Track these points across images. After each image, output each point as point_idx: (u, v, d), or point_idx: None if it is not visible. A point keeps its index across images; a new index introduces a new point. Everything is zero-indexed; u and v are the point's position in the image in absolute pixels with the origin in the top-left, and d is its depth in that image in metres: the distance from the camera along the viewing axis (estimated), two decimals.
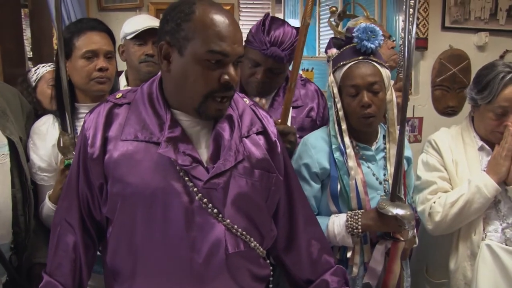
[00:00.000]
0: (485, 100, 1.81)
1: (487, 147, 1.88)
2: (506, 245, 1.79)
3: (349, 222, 1.58)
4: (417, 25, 3.32)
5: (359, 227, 1.57)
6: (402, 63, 1.63)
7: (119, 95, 1.31)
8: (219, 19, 1.15)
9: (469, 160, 1.88)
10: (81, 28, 1.72)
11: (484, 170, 1.82)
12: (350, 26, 2.23)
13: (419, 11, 3.34)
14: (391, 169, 1.68)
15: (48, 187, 1.71)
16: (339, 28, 2.29)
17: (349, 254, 1.63)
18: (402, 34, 1.87)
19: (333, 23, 2.32)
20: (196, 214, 1.18)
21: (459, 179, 1.86)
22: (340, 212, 1.64)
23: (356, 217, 1.58)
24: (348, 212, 1.62)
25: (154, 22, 2.06)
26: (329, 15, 3.71)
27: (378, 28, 1.64)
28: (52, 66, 2.14)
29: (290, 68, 1.81)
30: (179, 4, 1.19)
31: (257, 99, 1.75)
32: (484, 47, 3.56)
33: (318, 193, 1.66)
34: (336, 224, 1.60)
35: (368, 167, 1.67)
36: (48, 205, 1.66)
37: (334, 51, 1.68)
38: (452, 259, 1.86)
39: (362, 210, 1.61)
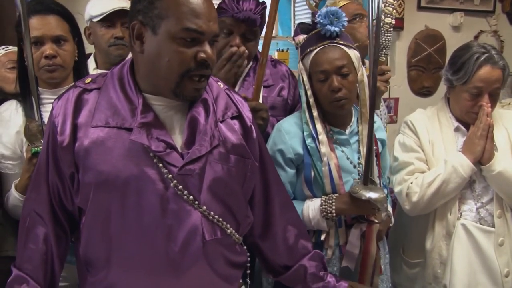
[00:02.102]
0: (461, 80, 1.82)
1: (462, 127, 1.90)
2: (480, 224, 1.82)
3: (323, 206, 1.59)
4: (393, 5, 3.31)
5: (333, 211, 1.58)
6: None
7: (88, 80, 1.26)
8: None
9: (445, 140, 1.90)
10: (28, 12, 1.57)
11: (460, 150, 1.84)
12: (328, 5, 2.19)
13: None
14: (364, 150, 1.69)
15: (14, 175, 1.64)
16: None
17: (323, 237, 1.65)
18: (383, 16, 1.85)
19: (312, 2, 2.27)
20: (171, 201, 1.15)
21: (436, 160, 1.88)
22: (314, 196, 1.65)
23: (330, 201, 1.59)
24: (323, 196, 1.63)
25: (122, 3, 1.96)
26: None
27: (340, 10, 1.63)
28: (6, 48, 2.03)
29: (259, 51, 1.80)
30: None
31: None
32: (459, 28, 3.58)
33: (293, 178, 1.66)
34: (311, 208, 1.61)
35: (342, 151, 1.67)
36: (14, 195, 1.59)
37: (301, 38, 1.66)
38: (428, 239, 1.89)
39: (336, 194, 1.62)
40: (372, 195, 1.52)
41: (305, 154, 1.62)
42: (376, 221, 1.62)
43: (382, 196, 1.53)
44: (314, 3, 2.38)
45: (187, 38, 1.11)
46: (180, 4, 1.10)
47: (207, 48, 1.14)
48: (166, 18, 1.10)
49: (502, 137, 1.88)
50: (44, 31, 1.59)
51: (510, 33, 3.75)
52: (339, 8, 2.07)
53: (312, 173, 1.62)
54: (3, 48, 2.07)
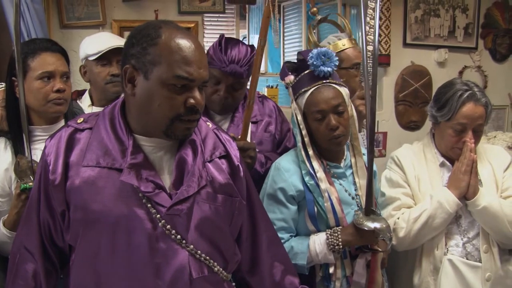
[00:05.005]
0: (445, 117, 1.87)
1: (447, 163, 1.93)
2: (467, 259, 1.83)
3: (330, 239, 1.62)
4: (380, 42, 3.40)
5: (340, 243, 1.61)
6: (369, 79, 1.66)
7: (80, 119, 1.29)
8: (185, 43, 1.16)
9: (431, 176, 1.93)
10: (35, 48, 1.66)
11: (445, 186, 1.86)
12: (330, 42, 2.22)
13: (381, 29, 3.41)
14: (359, 182, 1.74)
15: (2, 212, 1.64)
16: (315, 36, 2.29)
17: (331, 270, 1.67)
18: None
19: (314, 34, 2.31)
20: (160, 240, 1.17)
21: (422, 195, 1.90)
22: (318, 230, 1.68)
23: (336, 234, 1.62)
24: (327, 230, 1.65)
25: (117, 41, 2.03)
26: (293, 32, 3.74)
27: (331, 51, 1.68)
28: (1, 86, 2.07)
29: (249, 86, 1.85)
30: (145, 27, 1.18)
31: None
32: (444, 63, 3.67)
33: (295, 215, 1.69)
34: (317, 243, 1.64)
35: (340, 184, 1.71)
36: (2, 231, 1.59)
37: (291, 78, 1.71)
38: (416, 274, 1.89)
39: (340, 227, 1.65)
40: (376, 225, 1.56)
41: (306, 191, 1.66)
42: (380, 249, 1.65)
43: (385, 225, 1.57)
44: (313, 26, 2.39)
45: (177, 85, 1.15)
46: (172, 52, 1.14)
47: (197, 94, 1.18)
48: (159, 65, 1.14)
49: (486, 172, 1.92)
50: (56, 66, 1.66)
51: (493, 68, 3.84)
52: (340, 51, 2.12)
53: (315, 209, 1.65)
54: None
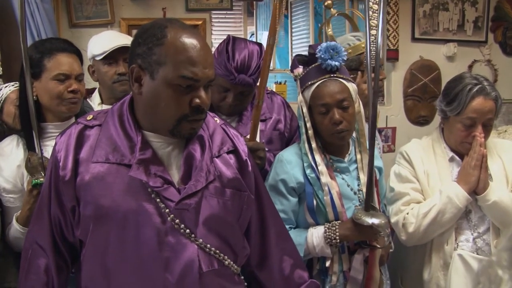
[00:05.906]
0: (454, 111, 1.85)
1: (457, 158, 1.92)
2: (477, 254, 1.82)
3: (327, 233, 1.62)
4: (388, 37, 3.39)
5: (337, 237, 1.61)
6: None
7: (90, 116, 1.31)
8: (191, 43, 1.16)
9: (440, 171, 1.92)
10: (52, 49, 1.68)
11: (455, 181, 1.85)
12: (350, 44, 2.18)
13: (389, 23, 3.41)
14: (364, 178, 1.73)
15: (15, 208, 1.67)
16: (330, 28, 2.28)
17: (327, 264, 1.67)
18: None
19: (331, 33, 2.29)
20: (169, 234, 1.18)
21: (431, 190, 1.89)
22: (317, 224, 1.68)
23: (334, 228, 1.62)
24: (326, 223, 1.66)
25: (122, 40, 2.04)
26: (300, 28, 3.74)
27: (340, 45, 1.67)
28: (16, 85, 2.10)
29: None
30: (151, 26, 1.19)
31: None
32: (453, 58, 3.65)
33: (295, 207, 1.69)
34: (314, 236, 1.64)
35: (343, 179, 1.71)
36: (15, 227, 1.63)
37: (300, 70, 1.71)
38: (426, 270, 1.89)
39: (339, 221, 1.65)
40: (374, 220, 1.55)
41: (306, 184, 1.66)
42: (378, 246, 1.65)
43: (384, 221, 1.56)
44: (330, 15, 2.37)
45: (183, 85, 1.15)
46: (178, 52, 1.15)
47: (202, 93, 1.18)
48: (164, 65, 1.14)
49: (497, 166, 1.90)
50: (72, 68, 1.70)
51: (504, 62, 3.81)
52: (361, 53, 2.08)
53: (315, 202, 1.65)
54: (12, 85, 2.12)
